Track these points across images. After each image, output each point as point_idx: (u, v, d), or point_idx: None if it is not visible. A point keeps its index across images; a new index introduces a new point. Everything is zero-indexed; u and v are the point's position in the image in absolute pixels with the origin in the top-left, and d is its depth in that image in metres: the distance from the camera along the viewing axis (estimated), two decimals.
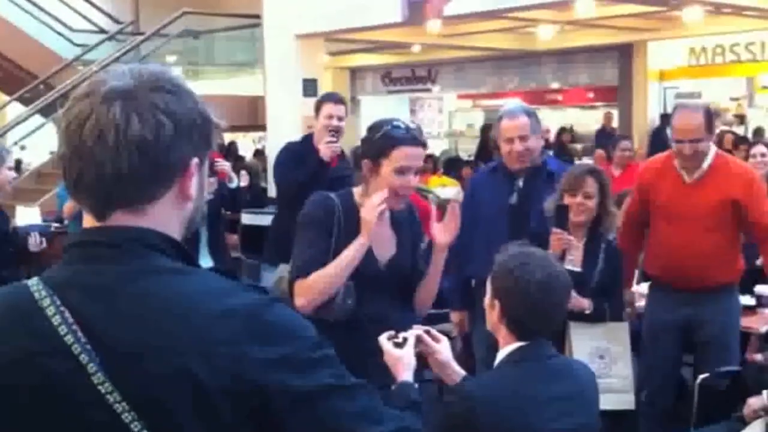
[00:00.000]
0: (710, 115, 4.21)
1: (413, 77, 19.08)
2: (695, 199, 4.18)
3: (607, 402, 4.05)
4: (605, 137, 13.79)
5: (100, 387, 1.18)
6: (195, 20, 13.38)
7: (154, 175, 1.26)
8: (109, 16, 14.77)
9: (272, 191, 9.74)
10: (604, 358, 4.07)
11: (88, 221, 1.29)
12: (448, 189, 6.84)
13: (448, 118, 20.04)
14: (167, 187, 1.28)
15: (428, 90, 19.57)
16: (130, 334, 1.20)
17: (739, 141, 10.93)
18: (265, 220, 6.66)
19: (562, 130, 16.11)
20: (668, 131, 4.36)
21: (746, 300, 4.93)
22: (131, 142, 1.23)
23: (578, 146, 16.68)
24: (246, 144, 17.68)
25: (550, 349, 2.48)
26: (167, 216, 1.29)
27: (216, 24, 14.10)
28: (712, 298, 4.20)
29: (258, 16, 11.41)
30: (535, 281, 2.42)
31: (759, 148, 6.53)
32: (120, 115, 1.23)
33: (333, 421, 1.26)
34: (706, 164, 4.22)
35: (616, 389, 4.09)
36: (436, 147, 16.12)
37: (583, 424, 2.42)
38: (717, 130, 12.03)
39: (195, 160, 1.30)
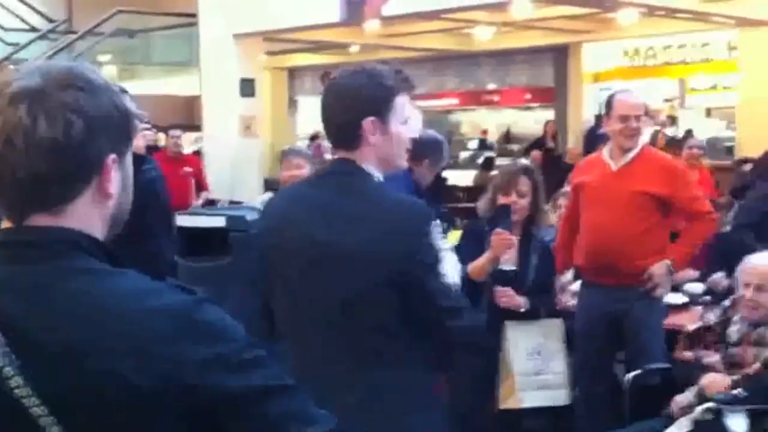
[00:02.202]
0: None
1: None
2: (618, 186, 4.33)
3: (544, 399, 4.14)
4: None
5: (17, 391, 1.16)
6: (130, 19, 13.20)
7: (68, 175, 1.24)
8: (42, 14, 14.49)
9: (211, 193, 9.67)
10: (540, 354, 4.14)
11: (6, 223, 1.27)
12: None
13: None
14: (84, 186, 1.26)
15: None
16: (59, 334, 1.18)
17: (671, 142, 11.16)
18: (203, 221, 6.58)
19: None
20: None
21: (677, 298, 5.04)
22: (40, 143, 1.21)
23: (515, 147, 16.85)
24: (184, 144, 17.47)
25: (347, 165, 2.23)
26: (87, 215, 1.27)
27: (152, 23, 13.93)
28: (637, 294, 4.30)
29: (195, 15, 11.31)
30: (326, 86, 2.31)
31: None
32: (26, 116, 1.20)
33: (267, 422, 1.25)
34: (631, 154, 4.39)
35: (552, 385, 4.16)
36: None
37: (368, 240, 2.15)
38: (651, 130, 12.36)
39: (112, 157, 1.27)
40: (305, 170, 4.70)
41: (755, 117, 10.97)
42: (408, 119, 2.25)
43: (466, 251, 4.12)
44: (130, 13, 12.86)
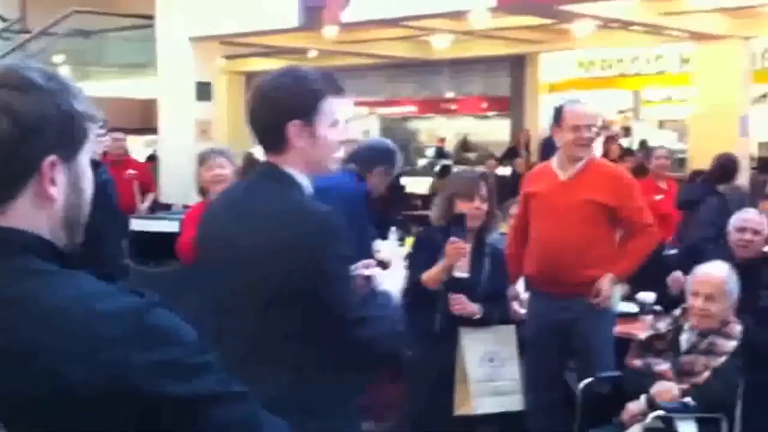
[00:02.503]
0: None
1: None
2: (566, 196, 4.38)
3: (498, 404, 4.17)
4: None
5: None
6: (85, 19, 13.06)
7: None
8: None
9: (165, 197, 9.59)
10: (494, 361, 4.18)
11: None
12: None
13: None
14: (20, 186, 1.24)
15: None
16: (5, 335, 1.16)
17: (625, 153, 11.30)
18: (155, 225, 6.52)
19: None
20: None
21: (629, 307, 5.09)
22: None
23: (471, 155, 16.94)
24: (137, 148, 17.30)
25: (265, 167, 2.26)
26: (32, 216, 1.26)
27: (108, 24, 13.78)
28: (585, 304, 4.33)
29: (152, 17, 11.22)
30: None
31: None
32: None
33: (212, 429, 1.24)
34: (580, 164, 4.43)
35: (506, 391, 4.20)
36: None
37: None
38: (602, 140, 12.46)
39: (51, 158, 1.25)
40: (228, 170, 4.69)
41: (707, 130, 11.15)
42: (338, 122, 2.21)
43: (419, 259, 4.15)
44: (86, 13, 12.71)
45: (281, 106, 2.16)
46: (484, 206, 4.15)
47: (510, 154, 14.36)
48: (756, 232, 4.91)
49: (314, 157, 2.19)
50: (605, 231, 4.41)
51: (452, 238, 3.96)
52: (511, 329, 4.29)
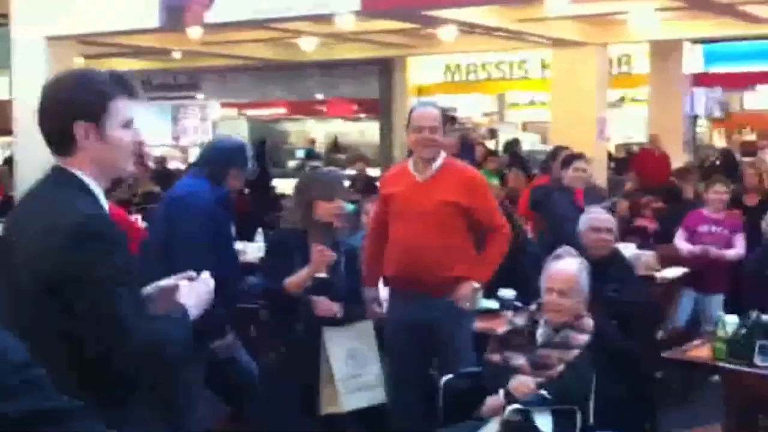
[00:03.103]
0: (444, 114, 4.65)
1: (175, 84, 18.71)
2: (424, 198, 4.42)
3: (363, 399, 4.19)
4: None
5: None
6: None
7: None
8: None
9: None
10: (356, 357, 4.21)
11: None
12: None
13: (212, 127, 19.82)
14: None
15: (192, 97, 19.25)
16: None
17: (489, 153, 11.55)
18: None
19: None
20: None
21: (490, 303, 5.18)
22: None
23: (342, 156, 17.00)
24: None
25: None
26: None
27: None
28: (444, 303, 4.39)
29: (6, 15, 10.78)
30: None
31: (580, 164, 6.87)
32: None
33: None
34: (436, 165, 4.48)
35: (370, 386, 4.23)
36: None
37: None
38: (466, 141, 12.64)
39: None
40: None
41: (567, 133, 11.49)
42: (129, 123, 2.19)
43: (275, 264, 4.14)
44: None
45: (67, 106, 2.12)
46: (345, 206, 4.18)
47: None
48: (609, 231, 5.09)
49: (105, 159, 2.16)
50: (462, 231, 4.47)
51: (318, 246, 3.97)
52: (369, 325, 4.34)
